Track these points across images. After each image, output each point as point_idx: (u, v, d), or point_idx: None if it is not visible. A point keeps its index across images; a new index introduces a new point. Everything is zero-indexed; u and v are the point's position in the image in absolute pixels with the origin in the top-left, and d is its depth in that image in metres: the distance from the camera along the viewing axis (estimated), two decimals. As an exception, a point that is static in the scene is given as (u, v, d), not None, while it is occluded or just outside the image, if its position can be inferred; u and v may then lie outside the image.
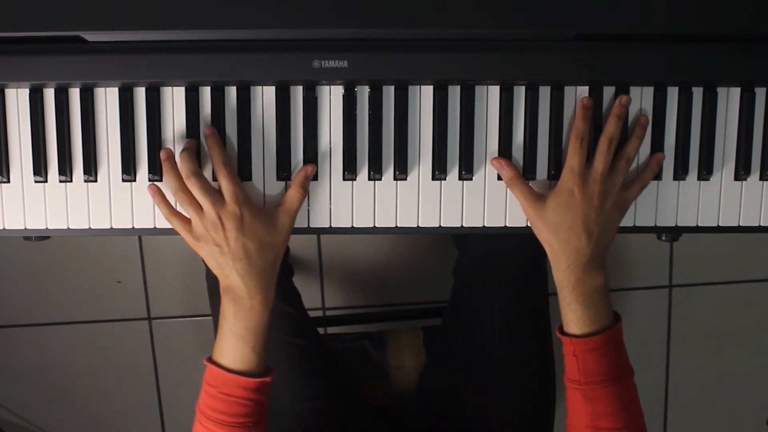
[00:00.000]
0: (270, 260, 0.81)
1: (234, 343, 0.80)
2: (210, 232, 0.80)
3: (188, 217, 0.81)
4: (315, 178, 0.84)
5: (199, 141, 0.83)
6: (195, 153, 0.82)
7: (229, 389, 0.80)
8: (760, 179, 0.86)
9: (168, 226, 0.83)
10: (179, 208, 0.83)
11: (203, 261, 0.83)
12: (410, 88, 0.83)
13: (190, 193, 0.80)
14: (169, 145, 0.83)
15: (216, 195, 0.80)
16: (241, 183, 0.82)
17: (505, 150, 0.84)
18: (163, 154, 0.82)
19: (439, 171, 0.84)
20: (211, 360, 0.82)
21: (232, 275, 0.80)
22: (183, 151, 0.81)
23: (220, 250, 0.79)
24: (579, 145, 0.81)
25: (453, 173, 0.85)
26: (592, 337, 0.81)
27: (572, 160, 0.81)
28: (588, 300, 0.81)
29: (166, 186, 0.82)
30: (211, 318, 0.97)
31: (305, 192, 0.83)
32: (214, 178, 0.82)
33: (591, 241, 0.80)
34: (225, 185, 0.80)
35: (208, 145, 0.82)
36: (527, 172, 0.84)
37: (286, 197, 0.83)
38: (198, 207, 0.80)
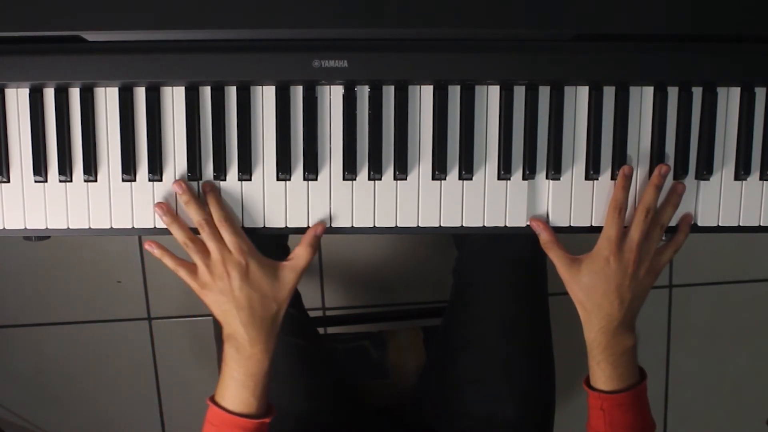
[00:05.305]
0: (272, 311, 0.83)
1: (234, 388, 0.82)
2: (216, 280, 0.81)
3: (194, 264, 0.82)
4: (315, 178, 0.84)
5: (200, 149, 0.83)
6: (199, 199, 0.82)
7: (230, 429, 0.82)
8: (760, 179, 0.86)
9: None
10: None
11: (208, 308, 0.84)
12: (410, 88, 0.83)
13: (199, 242, 0.82)
14: (169, 145, 0.83)
15: (223, 244, 0.81)
16: (245, 235, 0.82)
17: (505, 150, 0.84)
18: (159, 210, 0.82)
19: (439, 171, 0.84)
20: (213, 400, 0.84)
21: (234, 323, 0.82)
22: (191, 201, 0.82)
23: (226, 298, 0.81)
24: (617, 215, 0.82)
25: (453, 173, 0.84)
26: (620, 394, 0.83)
27: (609, 229, 0.82)
28: (617, 360, 0.83)
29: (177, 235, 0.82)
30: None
31: (314, 251, 0.84)
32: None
33: (623, 307, 0.82)
34: (229, 239, 0.81)
35: (208, 201, 0.82)
36: (527, 172, 0.84)
37: (294, 254, 0.84)
38: (206, 254, 0.81)
